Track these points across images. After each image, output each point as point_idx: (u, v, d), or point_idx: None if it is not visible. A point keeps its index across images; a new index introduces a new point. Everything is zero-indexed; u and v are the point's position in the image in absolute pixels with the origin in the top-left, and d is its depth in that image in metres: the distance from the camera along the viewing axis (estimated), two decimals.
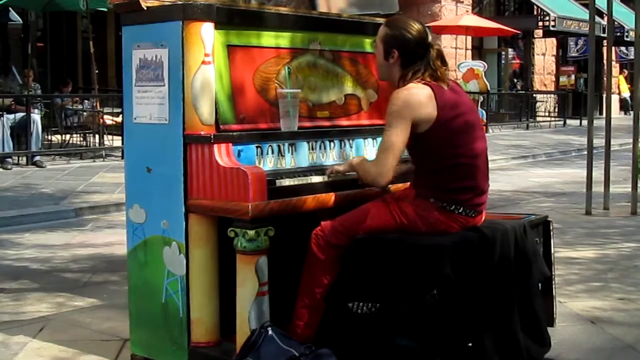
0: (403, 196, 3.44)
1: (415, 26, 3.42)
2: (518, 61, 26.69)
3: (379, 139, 3.49)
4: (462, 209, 3.36)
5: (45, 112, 12.96)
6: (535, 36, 25.62)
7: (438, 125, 3.31)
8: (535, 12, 24.56)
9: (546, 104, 24.74)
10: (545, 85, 26.36)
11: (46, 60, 17.87)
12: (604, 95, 14.89)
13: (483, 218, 3.49)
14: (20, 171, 11.30)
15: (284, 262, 3.51)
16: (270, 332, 3.20)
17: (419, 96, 3.30)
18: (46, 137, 12.89)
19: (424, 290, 3.25)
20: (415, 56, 3.39)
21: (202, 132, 3.36)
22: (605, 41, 15.51)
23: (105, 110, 13.83)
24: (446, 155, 3.35)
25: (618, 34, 23.84)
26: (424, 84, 3.34)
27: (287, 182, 3.39)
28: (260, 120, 3.60)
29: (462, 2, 22.11)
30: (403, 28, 3.40)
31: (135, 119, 3.63)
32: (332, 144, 3.81)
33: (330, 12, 4.46)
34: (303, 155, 3.68)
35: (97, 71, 14.08)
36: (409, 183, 3.57)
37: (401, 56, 3.40)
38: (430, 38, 3.43)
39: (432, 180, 3.38)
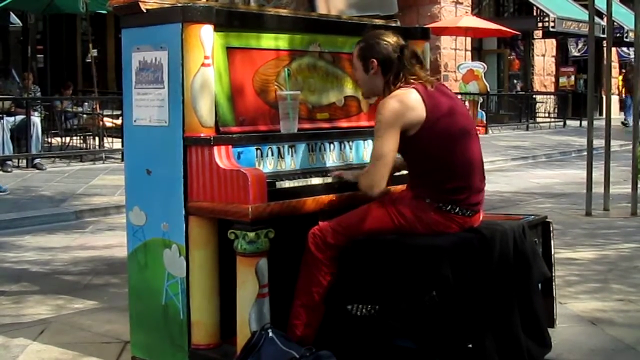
0: (400, 198, 3.46)
1: (388, 34, 3.50)
2: (518, 62, 26.70)
3: (374, 140, 3.50)
4: (458, 208, 3.37)
5: (45, 114, 12.97)
6: (535, 37, 25.62)
7: (427, 126, 3.34)
8: (534, 13, 24.56)
9: (546, 104, 24.74)
10: (545, 86, 26.37)
11: (46, 62, 17.89)
12: (604, 96, 14.93)
13: (481, 217, 3.50)
14: (20, 174, 11.30)
15: (284, 264, 3.51)
16: (270, 334, 3.20)
17: (406, 101, 3.33)
18: (46, 139, 12.91)
19: (423, 292, 3.26)
20: (393, 60, 3.43)
21: (202, 134, 3.37)
22: (604, 42, 15.52)
23: (105, 112, 13.84)
24: (438, 156, 3.37)
25: (618, 34, 23.84)
26: (410, 87, 3.37)
27: (287, 184, 3.39)
28: (260, 122, 3.61)
29: (462, 3, 22.12)
30: (376, 37, 3.49)
31: (135, 121, 3.63)
32: (332, 145, 3.81)
33: (329, 13, 4.46)
34: (303, 157, 3.68)
35: (96, 73, 14.08)
36: (406, 185, 3.57)
37: (380, 64, 3.45)
38: (402, 42, 3.49)
39: (426, 181, 3.40)
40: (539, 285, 3.71)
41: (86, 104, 14.24)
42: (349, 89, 4.01)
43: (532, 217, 3.94)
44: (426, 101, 3.34)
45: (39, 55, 17.85)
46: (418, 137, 3.34)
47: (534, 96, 24.87)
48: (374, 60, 3.46)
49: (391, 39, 3.48)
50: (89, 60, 13.97)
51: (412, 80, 3.39)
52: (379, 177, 3.34)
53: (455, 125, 3.40)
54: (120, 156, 12.48)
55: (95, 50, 14.11)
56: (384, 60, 3.45)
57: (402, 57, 3.43)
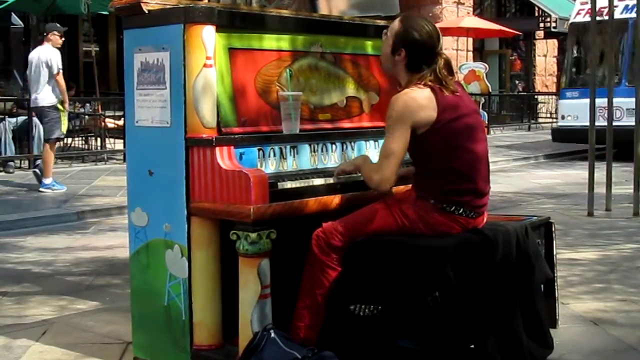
0: (404, 198, 3.45)
1: (429, 30, 3.40)
2: (519, 62, 26.70)
3: (381, 141, 3.51)
4: (462, 210, 3.36)
5: None
6: (537, 37, 25.64)
7: (438, 126, 3.32)
8: (536, 14, 24.58)
9: (548, 105, 24.74)
10: (546, 86, 26.37)
11: None
12: None
13: (485, 220, 3.49)
14: (22, 175, 11.31)
15: (286, 265, 3.51)
16: (272, 334, 3.20)
17: (418, 99, 3.31)
18: None
19: (426, 293, 3.26)
20: (423, 61, 3.39)
21: (204, 135, 3.37)
22: None
23: (107, 113, 13.86)
24: (446, 157, 3.35)
25: None
26: (424, 85, 3.35)
27: (289, 184, 3.39)
28: (262, 122, 3.61)
29: (463, 3, 22.13)
30: (417, 29, 3.39)
31: (137, 122, 3.64)
32: (333, 146, 3.81)
33: (331, 14, 4.47)
34: (305, 157, 3.68)
35: (97, 74, 14.10)
36: (410, 185, 3.57)
37: (408, 56, 3.40)
38: (441, 45, 3.43)
39: (432, 182, 3.39)
40: (541, 285, 3.71)
41: (88, 104, 14.26)
42: (350, 89, 4.01)
43: (535, 217, 3.94)
44: (439, 102, 3.32)
45: None
46: (426, 137, 3.33)
47: (535, 97, 24.89)
48: (403, 50, 3.39)
49: (429, 37, 3.38)
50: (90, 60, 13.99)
51: (429, 83, 3.37)
52: (389, 173, 3.33)
53: (465, 128, 3.38)
54: (122, 157, 12.50)
55: (97, 49, 14.12)
56: (414, 55, 3.39)
57: (435, 63, 3.37)
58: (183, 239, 3.44)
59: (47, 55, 9.79)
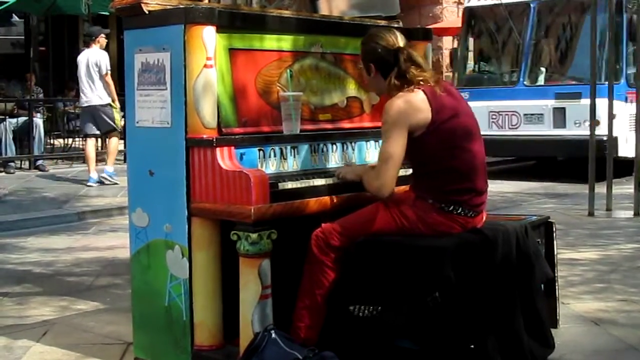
0: (403, 199, 3.46)
1: (385, 35, 3.50)
2: None
3: (381, 142, 3.51)
4: (461, 209, 3.37)
5: (48, 116, 12.99)
6: None
7: (433, 128, 3.34)
8: None
9: None
10: None
11: (48, 64, 17.91)
12: None
13: (483, 218, 3.50)
14: (23, 175, 11.32)
15: (287, 265, 3.52)
16: (273, 335, 3.20)
17: (412, 103, 3.33)
18: (48, 141, 12.93)
19: (426, 293, 3.26)
20: (389, 64, 3.44)
21: (205, 136, 3.37)
22: None
23: None
24: (442, 157, 3.37)
25: None
26: (416, 89, 3.37)
27: (289, 185, 3.40)
28: (262, 123, 3.61)
29: (463, 3, 22.12)
30: (372, 40, 3.50)
31: (137, 122, 3.64)
32: (334, 146, 3.81)
33: (331, 14, 4.47)
34: (305, 158, 3.68)
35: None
36: (409, 185, 3.58)
37: (378, 68, 3.48)
38: (401, 43, 3.47)
39: (430, 182, 3.40)
40: (542, 285, 3.71)
41: None
42: (351, 89, 4.01)
43: (535, 217, 3.95)
44: (432, 102, 3.35)
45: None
46: (423, 139, 3.35)
47: None
48: (372, 64, 3.50)
49: (385, 41, 3.46)
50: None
51: (419, 81, 3.39)
52: (389, 178, 3.35)
53: (460, 127, 3.40)
54: (122, 157, 12.49)
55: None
56: (380, 63, 3.47)
57: (398, 60, 3.42)
58: (184, 239, 3.44)
59: (96, 57, 10.30)
